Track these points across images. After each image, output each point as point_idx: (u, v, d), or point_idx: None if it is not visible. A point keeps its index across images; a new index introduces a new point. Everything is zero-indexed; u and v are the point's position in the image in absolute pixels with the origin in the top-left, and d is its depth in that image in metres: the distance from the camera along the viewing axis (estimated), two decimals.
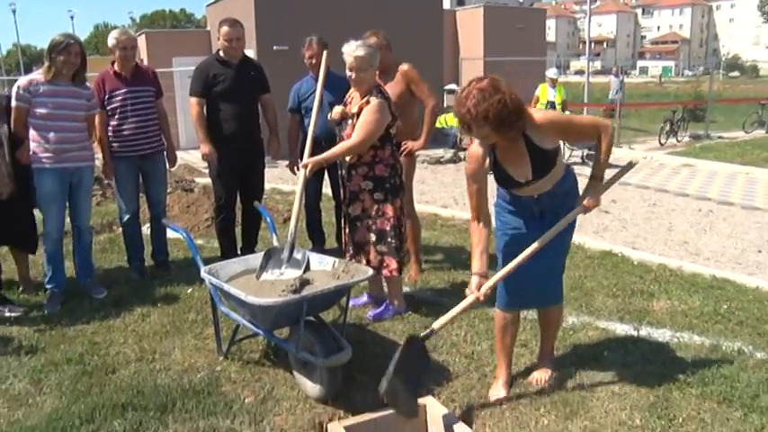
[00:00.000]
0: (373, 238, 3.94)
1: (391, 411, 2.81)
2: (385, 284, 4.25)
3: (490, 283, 2.92)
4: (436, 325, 2.93)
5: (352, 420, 2.88)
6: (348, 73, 3.78)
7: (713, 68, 20.00)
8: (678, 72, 68.09)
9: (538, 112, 2.80)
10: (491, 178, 2.98)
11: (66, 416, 2.99)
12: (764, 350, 3.56)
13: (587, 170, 3.02)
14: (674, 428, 2.80)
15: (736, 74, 66.91)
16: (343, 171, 3.99)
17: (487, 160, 2.88)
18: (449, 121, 12.15)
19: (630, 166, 3.06)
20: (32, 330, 4.05)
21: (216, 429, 2.89)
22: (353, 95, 3.91)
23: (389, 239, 3.93)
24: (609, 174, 3.02)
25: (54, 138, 4.31)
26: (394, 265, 3.97)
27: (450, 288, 4.64)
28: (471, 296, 2.90)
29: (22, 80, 4.35)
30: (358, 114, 3.77)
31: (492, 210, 3.11)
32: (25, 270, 4.84)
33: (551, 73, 12.17)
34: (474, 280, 2.90)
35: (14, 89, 4.32)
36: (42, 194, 4.40)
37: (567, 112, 12.85)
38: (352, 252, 4.02)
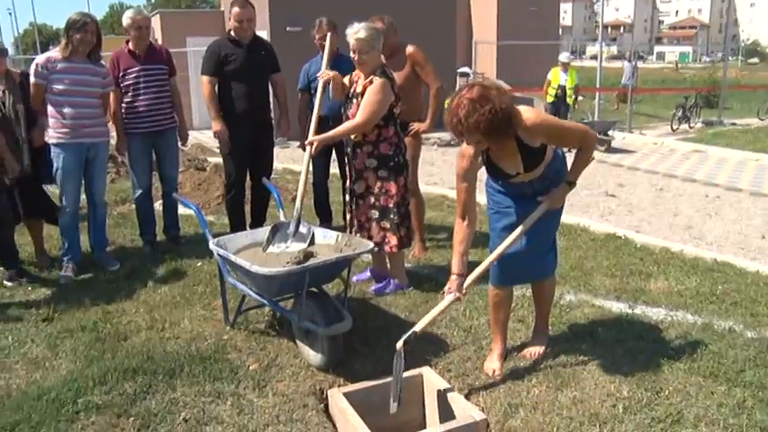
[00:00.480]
0: (376, 214, 4.05)
1: (389, 380, 2.94)
2: (388, 260, 4.36)
3: (471, 278, 2.98)
4: (417, 328, 2.94)
5: (351, 387, 3.01)
6: (351, 55, 3.87)
7: (727, 54, 19.75)
8: (696, 58, 67.16)
9: (529, 113, 2.79)
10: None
11: (81, 378, 3.15)
12: (755, 329, 3.63)
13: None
14: (660, 400, 2.90)
15: (755, 60, 65.87)
16: (349, 149, 4.10)
17: (479, 158, 2.93)
18: None
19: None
20: (49, 300, 4.22)
21: (221, 393, 3.04)
22: (359, 74, 4.00)
23: (392, 216, 4.03)
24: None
25: (70, 113, 4.45)
26: (394, 241, 4.07)
27: None
28: (451, 296, 2.93)
29: (40, 58, 4.50)
30: (362, 94, 3.87)
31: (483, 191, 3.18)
32: (41, 244, 5.01)
33: (563, 57, 12.19)
34: (454, 280, 2.93)
35: (33, 67, 4.47)
36: (59, 169, 4.54)
37: (581, 98, 12.87)
38: (355, 228, 4.13)
